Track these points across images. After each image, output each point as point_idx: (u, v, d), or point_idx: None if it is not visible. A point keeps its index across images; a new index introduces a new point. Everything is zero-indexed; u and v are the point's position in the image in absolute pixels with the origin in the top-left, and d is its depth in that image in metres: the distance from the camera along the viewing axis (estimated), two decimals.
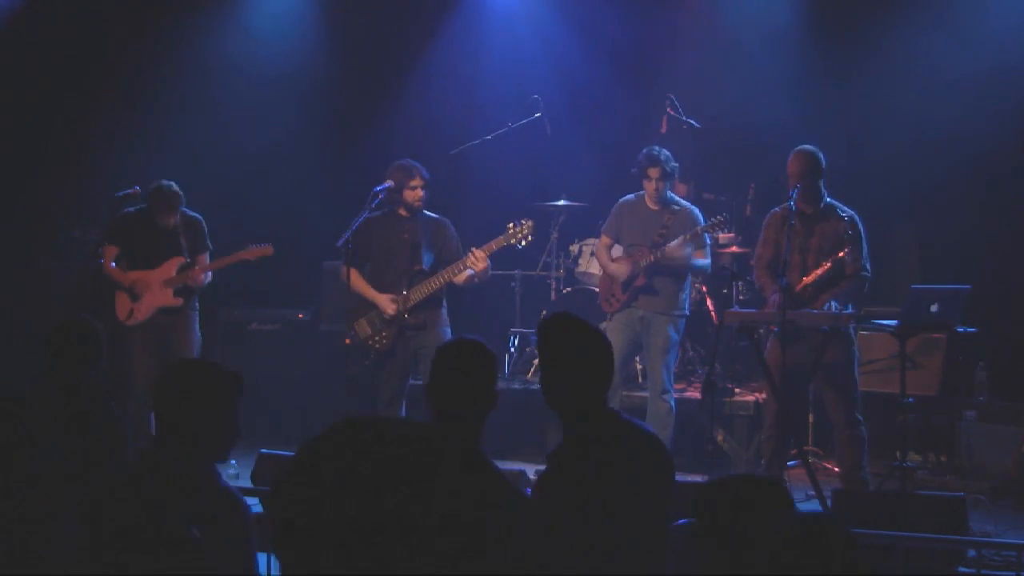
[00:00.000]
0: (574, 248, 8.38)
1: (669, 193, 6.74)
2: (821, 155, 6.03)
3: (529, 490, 3.65)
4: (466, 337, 3.22)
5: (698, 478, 6.10)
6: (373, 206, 6.38)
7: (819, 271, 5.93)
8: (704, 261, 6.69)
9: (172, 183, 6.76)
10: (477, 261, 6.29)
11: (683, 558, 3.59)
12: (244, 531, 2.92)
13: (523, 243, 6.41)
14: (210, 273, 6.92)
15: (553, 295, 8.39)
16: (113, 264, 6.87)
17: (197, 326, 6.96)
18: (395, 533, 2.72)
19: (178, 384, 3.03)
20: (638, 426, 3.26)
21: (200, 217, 6.99)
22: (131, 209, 6.94)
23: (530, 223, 6.38)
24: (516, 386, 8.06)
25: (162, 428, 2.99)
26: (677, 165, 6.72)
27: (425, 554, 2.71)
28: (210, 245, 6.98)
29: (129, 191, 7.00)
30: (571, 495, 3.06)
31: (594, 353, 3.22)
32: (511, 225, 6.37)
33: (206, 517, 2.85)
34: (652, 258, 6.53)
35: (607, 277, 6.85)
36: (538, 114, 8.52)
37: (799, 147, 6.07)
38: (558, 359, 3.22)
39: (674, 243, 6.49)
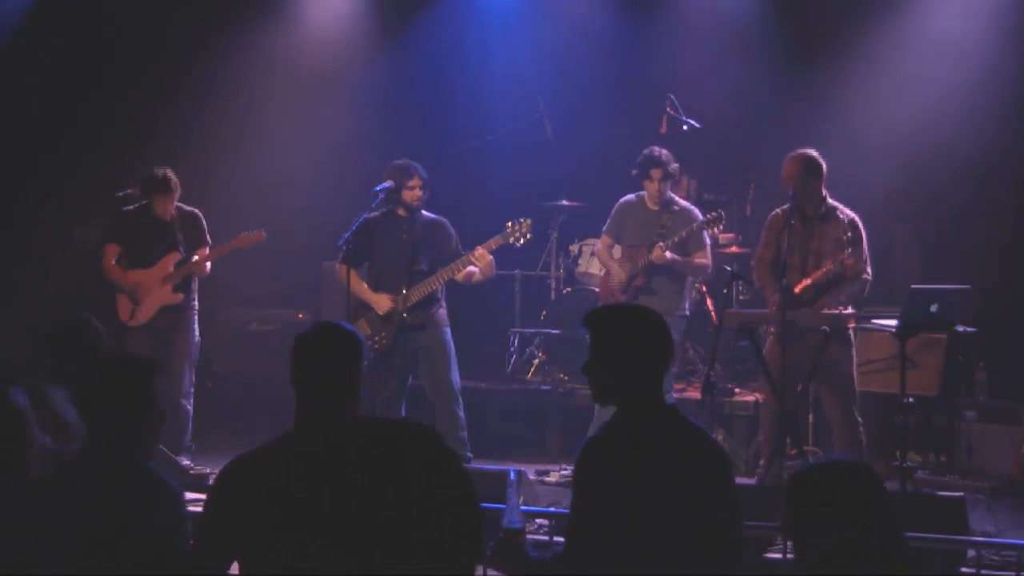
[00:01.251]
0: (574, 248, 8.37)
1: (670, 194, 6.74)
2: (818, 157, 6.01)
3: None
4: (326, 322, 3.11)
5: None
6: (372, 206, 6.40)
7: (819, 273, 5.93)
8: (699, 261, 6.63)
9: (166, 169, 6.77)
10: (480, 259, 6.30)
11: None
12: (177, 518, 2.96)
13: (521, 241, 6.44)
14: (208, 265, 6.93)
15: (553, 295, 8.38)
16: (113, 263, 6.87)
17: (196, 327, 6.96)
18: (390, 530, 2.73)
19: (95, 381, 3.05)
20: (694, 424, 3.13)
21: (197, 211, 7.00)
22: (130, 207, 6.95)
23: (528, 221, 6.41)
24: (516, 386, 8.06)
25: (89, 426, 3.03)
26: (678, 166, 6.72)
27: (412, 551, 2.72)
28: (209, 240, 6.98)
29: (129, 191, 7.01)
30: (621, 486, 2.94)
31: (655, 336, 3.10)
32: (509, 223, 6.40)
33: (140, 507, 2.90)
34: (650, 258, 6.53)
35: (608, 277, 6.85)
36: (537, 114, 8.52)
37: (794, 151, 6.07)
38: (619, 346, 3.07)
39: (658, 247, 6.47)
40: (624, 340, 3.08)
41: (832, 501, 2.46)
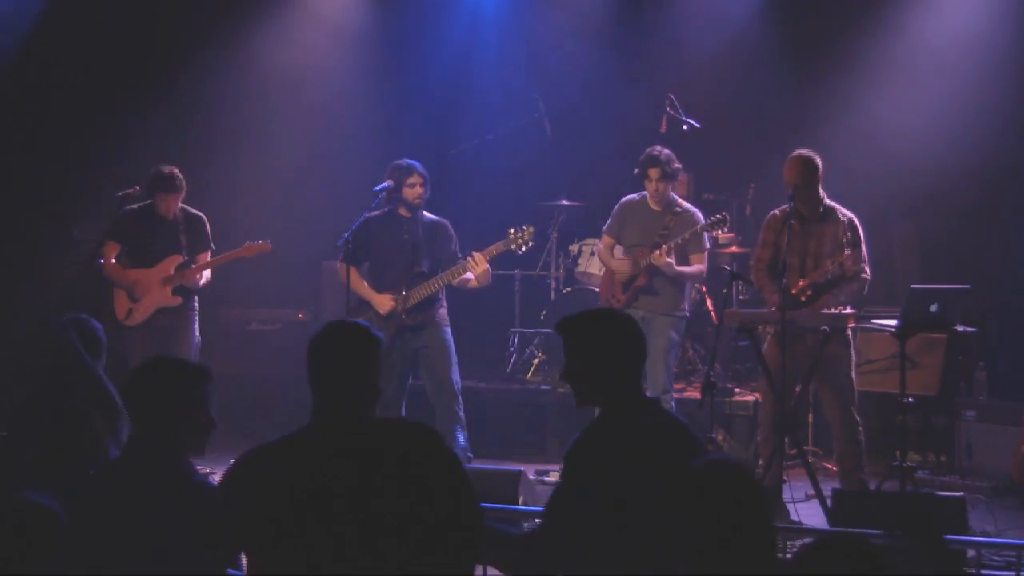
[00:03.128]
0: (574, 248, 8.38)
1: (672, 195, 6.72)
2: (816, 159, 6.00)
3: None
4: (339, 320, 3.17)
5: None
6: (373, 206, 6.40)
7: (817, 273, 5.93)
8: (695, 269, 6.62)
9: (172, 167, 6.77)
10: (477, 265, 6.30)
11: None
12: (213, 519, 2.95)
13: (523, 249, 6.46)
14: (208, 273, 6.92)
15: (553, 295, 8.39)
16: (113, 261, 6.86)
17: (196, 327, 6.96)
18: (390, 530, 2.73)
19: (149, 382, 3.06)
20: (670, 414, 3.25)
21: (202, 215, 7.00)
22: (132, 206, 6.95)
23: (531, 229, 6.42)
24: (516, 386, 8.06)
25: (137, 427, 3.05)
26: (680, 167, 6.70)
27: (411, 551, 2.72)
28: (212, 245, 6.98)
29: (129, 190, 7.00)
30: (611, 483, 3.00)
31: (626, 334, 3.20)
32: (512, 230, 6.40)
33: (181, 511, 2.89)
34: (649, 260, 6.52)
35: (608, 277, 6.84)
36: (537, 114, 8.52)
37: (794, 152, 6.06)
38: (596, 348, 3.17)
39: (658, 251, 6.45)
40: (599, 343, 3.18)
41: (706, 497, 2.47)
